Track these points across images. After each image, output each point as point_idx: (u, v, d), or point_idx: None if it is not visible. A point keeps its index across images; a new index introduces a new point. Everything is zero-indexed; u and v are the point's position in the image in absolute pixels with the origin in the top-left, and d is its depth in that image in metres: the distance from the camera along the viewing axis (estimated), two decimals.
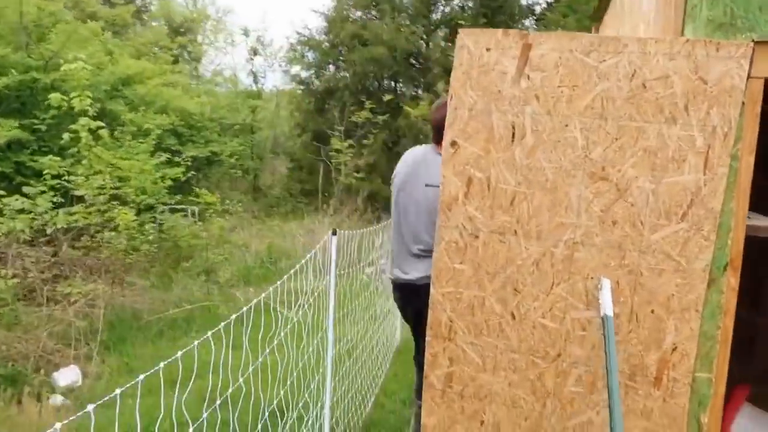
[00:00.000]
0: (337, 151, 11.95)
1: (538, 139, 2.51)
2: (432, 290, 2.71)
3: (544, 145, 2.51)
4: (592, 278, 2.50)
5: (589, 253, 2.49)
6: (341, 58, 16.50)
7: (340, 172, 11.60)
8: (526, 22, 16.58)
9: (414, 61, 16.49)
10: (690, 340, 2.42)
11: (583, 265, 2.50)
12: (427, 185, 3.55)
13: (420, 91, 15.26)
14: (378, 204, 12.99)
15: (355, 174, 11.68)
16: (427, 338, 2.76)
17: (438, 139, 3.64)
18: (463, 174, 2.62)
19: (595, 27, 5.12)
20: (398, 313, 5.50)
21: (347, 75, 16.33)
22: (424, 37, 16.07)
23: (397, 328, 6.68)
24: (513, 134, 2.55)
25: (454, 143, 2.62)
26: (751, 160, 2.31)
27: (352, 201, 11.26)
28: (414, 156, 3.81)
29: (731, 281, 2.38)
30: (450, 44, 15.16)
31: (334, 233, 3.38)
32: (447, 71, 14.19)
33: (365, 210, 10.78)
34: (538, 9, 16.54)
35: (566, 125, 2.47)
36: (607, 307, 2.36)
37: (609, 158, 2.43)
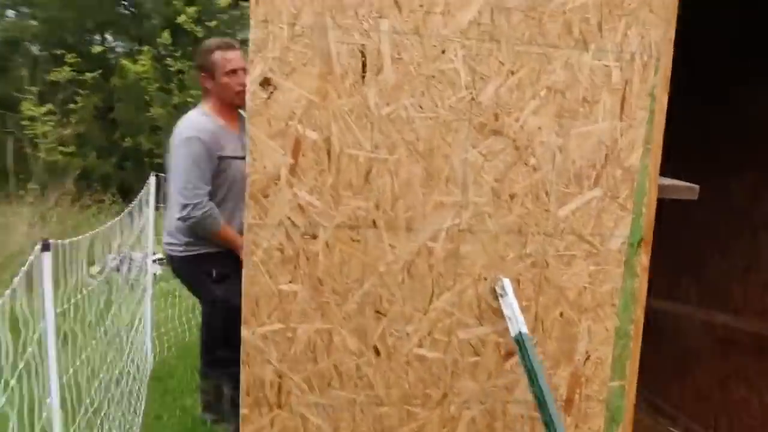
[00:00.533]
0: (32, 119, 9.32)
1: (402, 75, 1.61)
2: (243, 332, 1.65)
3: (411, 84, 1.62)
4: (485, 279, 1.74)
5: (480, 243, 1.71)
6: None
7: (38, 147, 9.08)
8: None
9: (126, 10, 13.93)
10: (605, 343, 1.85)
11: (473, 262, 1.72)
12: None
13: (137, 45, 12.95)
14: (96, 184, 10.67)
15: (61, 148, 9.25)
16: (241, 410, 1.69)
17: (218, 97, 2.60)
18: (285, 135, 1.59)
19: None
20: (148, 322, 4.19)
21: (35, 23, 13.04)
22: None
23: (145, 343, 5.12)
24: (363, 66, 1.59)
25: (266, 82, 1.56)
26: (665, 99, 1.78)
27: (59, 183, 8.90)
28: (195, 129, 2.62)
29: (643, 260, 1.86)
30: None
31: (46, 247, 2.01)
32: (169, 21, 12.29)
33: (79, 194, 8.61)
34: None
35: (443, 51, 1.62)
36: (519, 320, 1.63)
37: (503, 101, 1.66)
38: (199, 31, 10.10)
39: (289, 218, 1.62)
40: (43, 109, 9.40)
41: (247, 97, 1.57)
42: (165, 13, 12.52)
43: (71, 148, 9.78)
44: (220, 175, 2.50)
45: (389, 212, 1.65)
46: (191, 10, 10.44)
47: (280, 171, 1.59)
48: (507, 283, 1.71)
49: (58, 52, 11.55)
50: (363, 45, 1.58)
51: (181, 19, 10.32)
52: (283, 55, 1.55)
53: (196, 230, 2.50)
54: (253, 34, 1.55)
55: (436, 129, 1.64)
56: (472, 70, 1.63)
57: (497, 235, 1.71)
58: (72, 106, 10.32)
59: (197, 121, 2.53)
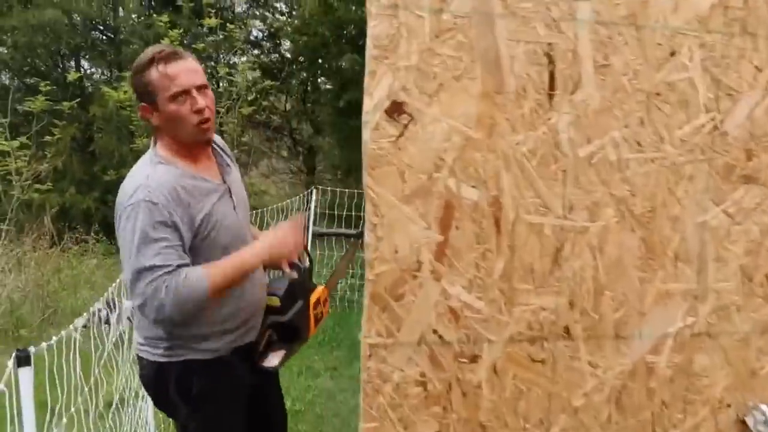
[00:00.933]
0: (4, 154, 8.61)
1: (610, 92, 1.00)
2: None
3: (624, 106, 1.01)
4: (729, 407, 1.12)
5: (723, 352, 1.10)
6: None
7: (11, 184, 8.36)
8: None
9: (102, 34, 13.26)
10: None
11: (712, 382, 1.10)
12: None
13: (116, 71, 12.27)
14: (76, 222, 9.90)
15: (38, 185, 8.51)
16: None
17: (170, 135, 1.71)
18: (428, 195, 0.97)
19: None
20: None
21: (4, 50, 12.30)
22: (110, 2, 12.98)
23: (147, 420, 4.37)
24: (551, 79, 0.99)
25: (397, 109, 0.94)
26: None
27: (36, 222, 8.18)
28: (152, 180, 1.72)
29: None
30: (152, 11, 12.50)
31: (23, 360, 1.34)
32: (149, 45, 11.61)
33: (59, 235, 7.87)
34: None
35: (672, 53, 1.02)
36: None
37: (761, 131, 1.06)
38: None
39: (435, 332, 0.99)
40: (16, 143, 8.67)
41: (366, 134, 0.94)
42: (146, 37, 11.88)
43: (47, 185, 9.01)
44: (205, 247, 1.67)
45: (590, 313, 1.04)
46: (174, 32, 9.80)
47: (421, 255, 0.97)
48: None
49: (31, 80, 10.82)
50: (550, 44, 0.97)
51: (164, 42, 9.69)
52: (423, 63, 0.94)
53: (179, 312, 1.61)
54: (374, 28, 0.93)
55: (661, 177, 1.03)
56: (716, 83, 1.03)
57: (748, 338, 1.10)
58: (48, 138, 9.59)
59: (147, 176, 1.63)
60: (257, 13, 14.75)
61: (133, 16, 13.60)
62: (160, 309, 1.53)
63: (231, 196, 1.77)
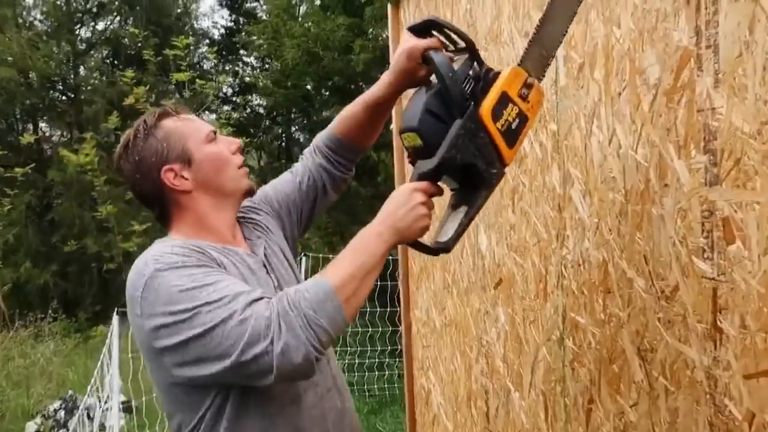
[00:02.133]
0: None
1: None
2: None
3: None
4: None
5: None
6: None
7: None
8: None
9: (61, 93, 12.64)
10: None
11: None
12: None
13: (76, 132, 11.61)
14: (32, 299, 9.05)
15: None
16: None
17: (202, 201, 1.35)
18: None
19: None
20: None
21: None
22: (71, 60, 12.44)
23: None
24: None
25: None
26: None
27: None
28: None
29: None
30: (116, 70, 11.99)
31: None
32: (113, 104, 11.08)
33: (11, 317, 7.02)
34: (216, 33, 14.59)
35: None
36: None
37: None
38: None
39: None
40: None
41: None
42: (108, 95, 11.35)
43: None
44: None
45: None
46: (140, 89, 9.29)
47: None
48: None
49: None
50: None
51: (130, 100, 9.14)
52: None
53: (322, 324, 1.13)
54: None
55: None
56: None
57: None
58: None
59: (156, 253, 1.25)
60: (227, 68, 14.43)
61: (95, 74, 13.11)
62: (291, 343, 1.07)
63: (269, 273, 1.38)
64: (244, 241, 1.41)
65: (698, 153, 1.22)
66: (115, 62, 13.32)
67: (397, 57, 1.34)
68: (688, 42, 1.24)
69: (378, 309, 6.35)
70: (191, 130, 1.33)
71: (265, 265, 1.38)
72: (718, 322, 1.17)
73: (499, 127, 1.21)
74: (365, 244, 1.19)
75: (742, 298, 1.12)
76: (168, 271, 1.16)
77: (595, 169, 1.56)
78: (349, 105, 1.52)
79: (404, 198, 1.21)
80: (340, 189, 1.63)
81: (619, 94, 1.45)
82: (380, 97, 1.43)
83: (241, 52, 13.74)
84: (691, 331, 1.23)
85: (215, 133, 1.37)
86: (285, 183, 1.58)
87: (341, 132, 1.53)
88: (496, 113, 1.20)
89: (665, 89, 1.30)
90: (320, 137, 1.59)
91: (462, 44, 1.27)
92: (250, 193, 1.41)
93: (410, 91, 1.40)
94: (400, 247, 3.34)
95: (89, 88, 12.15)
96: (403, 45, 1.34)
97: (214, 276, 1.16)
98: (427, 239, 1.29)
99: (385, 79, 1.41)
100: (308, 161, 1.59)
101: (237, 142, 1.40)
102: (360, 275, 1.15)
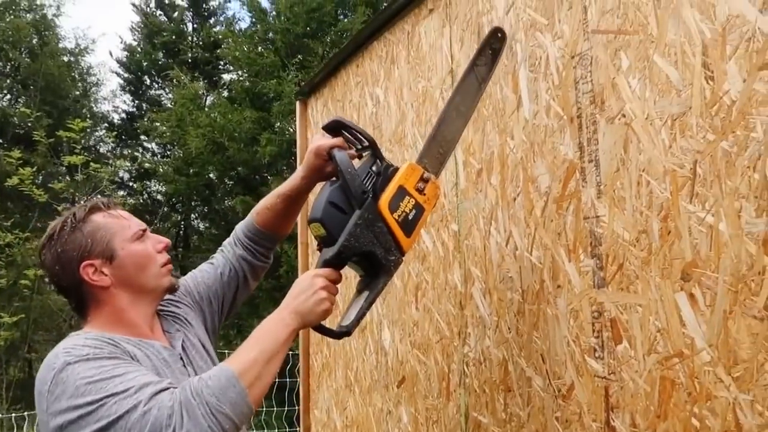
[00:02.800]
0: None
1: None
2: None
3: None
4: None
5: None
6: None
7: None
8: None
9: None
10: None
11: None
12: None
13: None
14: None
15: None
16: None
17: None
18: None
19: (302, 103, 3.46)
20: None
21: None
22: None
23: None
24: None
25: None
26: None
27: None
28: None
29: None
30: (1, 149, 11.27)
31: None
32: None
33: None
34: (116, 117, 14.18)
35: None
36: None
37: None
38: (41, 194, 8.38)
39: None
40: None
41: None
42: None
43: None
44: None
45: None
46: (26, 171, 8.78)
47: None
48: None
49: None
50: None
51: (13, 181, 8.60)
52: None
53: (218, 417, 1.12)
54: None
55: None
56: None
57: None
58: None
59: (81, 343, 1.25)
60: (126, 152, 14.05)
61: None
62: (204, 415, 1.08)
63: (186, 365, 1.37)
64: (162, 335, 1.42)
65: (586, 257, 1.31)
66: (0, 141, 12.59)
67: (307, 154, 1.47)
68: (573, 155, 1.37)
69: (275, 408, 6.04)
70: (119, 227, 1.37)
71: (182, 358, 1.38)
72: (611, 421, 1.22)
73: (396, 218, 1.30)
74: (268, 330, 1.22)
75: (631, 397, 1.18)
76: (77, 363, 1.16)
77: (494, 269, 1.63)
78: (265, 197, 1.62)
79: (306, 283, 1.27)
80: (259, 277, 1.70)
81: (515, 198, 1.56)
82: (293, 189, 1.53)
83: (142, 137, 13.48)
84: (587, 430, 1.27)
85: (144, 231, 1.41)
86: (206, 274, 1.62)
87: (259, 222, 1.61)
88: (393, 205, 1.31)
89: (555, 197, 1.42)
90: (239, 228, 1.66)
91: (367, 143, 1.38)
92: (171, 290, 1.44)
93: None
94: (301, 343, 3.25)
95: None
96: (312, 144, 1.45)
97: (123, 368, 1.17)
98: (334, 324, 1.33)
99: (298, 173, 1.52)
100: (228, 253, 1.64)
101: (165, 241, 1.44)
102: (263, 360, 1.17)
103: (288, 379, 5.37)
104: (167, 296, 1.48)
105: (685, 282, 1.10)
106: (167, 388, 1.13)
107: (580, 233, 1.33)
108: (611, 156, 1.27)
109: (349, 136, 1.42)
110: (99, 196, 1.50)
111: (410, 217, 1.32)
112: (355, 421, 2.50)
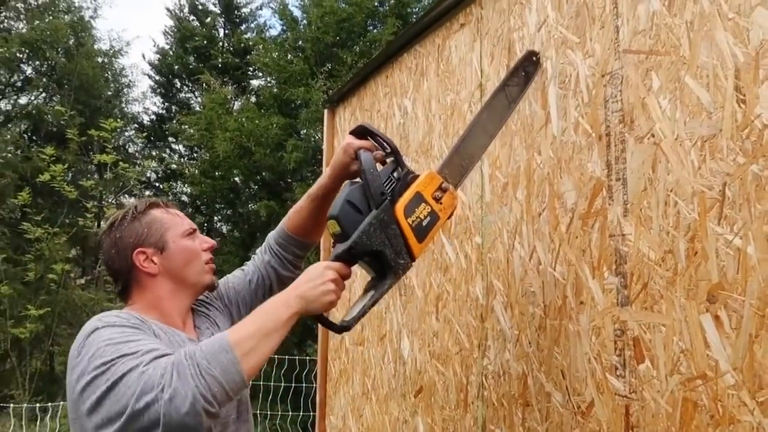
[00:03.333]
0: None
1: None
2: None
3: None
4: None
5: None
6: None
7: None
8: None
9: None
10: None
11: None
12: None
13: None
14: None
15: None
16: None
17: (164, 286, 1.47)
18: None
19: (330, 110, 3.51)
20: None
21: None
22: None
23: None
24: None
25: None
26: None
27: None
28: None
29: None
30: (32, 144, 11.57)
31: None
32: (25, 179, 10.55)
33: None
34: (146, 119, 14.48)
35: None
36: None
37: None
38: (71, 191, 8.55)
39: None
40: None
41: None
42: (22, 170, 10.85)
43: None
44: None
45: None
46: (58, 167, 8.97)
47: None
48: None
49: None
50: None
51: (45, 177, 8.78)
52: None
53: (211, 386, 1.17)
54: None
55: None
56: None
57: None
58: None
59: (115, 314, 1.38)
60: (154, 153, 14.27)
61: (10, 147, 12.58)
62: (182, 395, 1.12)
63: None
64: (193, 329, 1.50)
65: (610, 274, 1.31)
66: (34, 137, 12.88)
67: (336, 151, 1.52)
68: (601, 173, 1.37)
69: (290, 413, 6.06)
70: (173, 223, 1.49)
71: None
72: None
73: (410, 222, 1.34)
74: (271, 308, 1.28)
75: (652, 417, 1.17)
76: (104, 328, 1.27)
77: (517, 283, 1.63)
78: (296, 202, 1.67)
79: (316, 273, 1.31)
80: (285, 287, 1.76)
81: (540, 214, 1.56)
82: (320, 188, 1.57)
83: (170, 139, 13.69)
84: None
85: (194, 230, 1.53)
86: (236, 280, 1.68)
87: (289, 227, 1.66)
88: (408, 210, 1.34)
89: (581, 213, 1.42)
90: (271, 235, 1.71)
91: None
92: (210, 287, 1.53)
93: None
94: (319, 349, 3.27)
95: (1, 161, 11.58)
96: (344, 141, 1.51)
97: (141, 335, 1.26)
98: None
99: (326, 172, 1.57)
100: (258, 260, 1.70)
101: (211, 242, 1.54)
102: (260, 335, 1.22)
103: (304, 385, 5.39)
104: (202, 296, 1.55)
105: (710, 304, 1.10)
106: (170, 354, 1.19)
107: (605, 251, 1.33)
108: (639, 175, 1.27)
109: (378, 143, 1.45)
110: (159, 198, 1.61)
111: (424, 224, 1.35)
112: (371, 429, 2.51)
